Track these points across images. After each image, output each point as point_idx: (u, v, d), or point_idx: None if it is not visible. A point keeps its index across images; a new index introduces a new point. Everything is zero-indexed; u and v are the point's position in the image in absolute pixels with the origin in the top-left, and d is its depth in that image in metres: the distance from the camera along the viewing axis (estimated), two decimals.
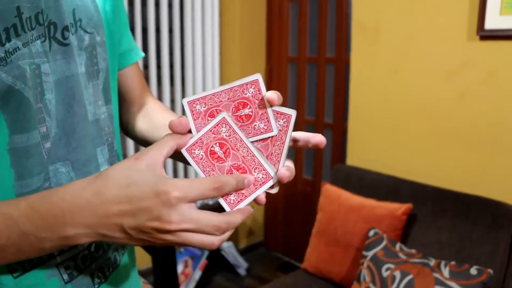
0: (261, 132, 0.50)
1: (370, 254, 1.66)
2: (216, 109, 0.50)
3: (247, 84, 0.50)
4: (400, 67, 1.97)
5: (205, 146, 0.49)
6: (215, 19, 2.72)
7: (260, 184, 0.49)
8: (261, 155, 0.49)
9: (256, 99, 0.50)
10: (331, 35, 2.52)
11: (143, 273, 2.53)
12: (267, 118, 0.50)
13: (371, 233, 1.71)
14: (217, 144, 0.49)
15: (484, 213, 1.61)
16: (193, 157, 0.49)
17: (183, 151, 0.49)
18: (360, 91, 2.14)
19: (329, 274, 1.87)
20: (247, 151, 0.49)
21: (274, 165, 0.51)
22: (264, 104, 0.50)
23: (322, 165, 2.67)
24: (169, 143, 0.48)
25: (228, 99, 0.50)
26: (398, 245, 1.65)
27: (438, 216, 1.73)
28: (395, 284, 1.52)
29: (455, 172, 1.82)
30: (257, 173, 0.49)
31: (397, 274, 1.55)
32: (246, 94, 0.50)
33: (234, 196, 0.49)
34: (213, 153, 0.49)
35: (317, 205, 2.01)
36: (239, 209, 0.49)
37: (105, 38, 0.64)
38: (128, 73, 0.77)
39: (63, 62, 0.57)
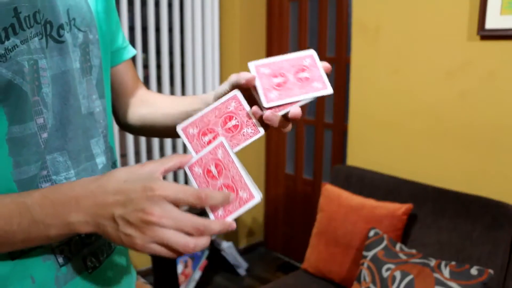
0: (250, 136, 0.59)
1: (370, 254, 1.66)
2: (207, 128, 0.59)
3: (228, 101, 0.59)
4: (400, 67, 1.96)
5: (203, 165, 0.57)
6: (215, 19, 2.72)
7: (244, 202, 0.54)
8: (248, 176, 0.55)
9: (239, 110, 0.58)
10: (331, 35, 2.52)
11: (143, 273, 2.52)
12: (252, 123, 0.58)
13: (371, 233, 1.71)
14: (213, 164, 0.56)
15: (484, 213, 1.61)
16: (193, 173, 0.57)
17: (186, 168, 0.57)
18: (360, 91, 2.14)
19: (329, 274, 1.86)
20: (236, 172, 0.55)
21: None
22: (247, 112, 0.58)
23: (322, 165, 2.66)
24: (173, 160, 0.54)
25: (215, 117, 0.59)
26: (398, 245, 1.65)
27: (438, 216, 1.73)
28: (396, 285, 1.52)
29: (455, 172, 1.82)
30: (242, 193, 0.55)
31: (398, 274, 1.54)
32: (229, 108, 0.59)
33: (222, 211, 0.55)
34: (209, 171, 0.56)
35: (317, 205, 2.01)
36: (219, 220, 0.53)
37: (98, 36, 0.68)
38: (122, 69, 0.81)
39: (59, 59, 0.60)
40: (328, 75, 0.59)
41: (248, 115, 0.58)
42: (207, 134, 0.59)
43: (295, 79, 0.58)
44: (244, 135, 0.58)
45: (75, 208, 0.51)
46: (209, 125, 0.59)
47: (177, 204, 0.50)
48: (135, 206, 0.49)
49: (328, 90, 0.58)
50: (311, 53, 0.60)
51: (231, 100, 0.59)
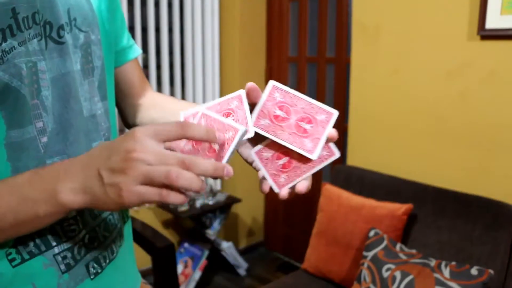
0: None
1: (370, 254, 1.66)
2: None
3: (231, 99, 0.58)
4: (400, 67, 1.96)
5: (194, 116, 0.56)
6: (215, 19, 2.72)
7: (232, 139, 0.52)
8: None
9: (238, 109, 0.57)
10: (331, 35, 2.52)
11: (143, 273, 2.52)
12: (246, 123, 0.56)
13: (372, 233, 1.71)
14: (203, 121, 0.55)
15: (484, 213, 1.61)
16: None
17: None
18: (360, 91, 2.14)
19: (329, 274, 1.86)
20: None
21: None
22: (244, 113, 0.56)
23: None
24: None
25: (215, 111, 0.58)
26: (398, 245, 1.65)
27: (438, 216, 1.73)
28: (396, 285, 1.52)
29: (455, 172, 1.82)
30: (227, 133, 0.52)
31: (398, 274, 1.54)
32: (230, 106, 0.57)
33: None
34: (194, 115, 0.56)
35: (317, 205, 2.01)
36: (212, 161, 0.50)
37: (100, 36, 0.66)
38: (128, 68, 0.80)
39: (59, 60, 0.58)
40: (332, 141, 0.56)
41: (245, 115, 0.57)
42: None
43: (294, 126, 0.56)
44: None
45: (62, 177, 0.49)
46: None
47: (160, 136, 0.47)
48: (117, 151, 0.47)
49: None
50: (333, 113, 0.55)
51: (234, 99, 0.57)
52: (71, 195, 0.49)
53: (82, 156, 0.51)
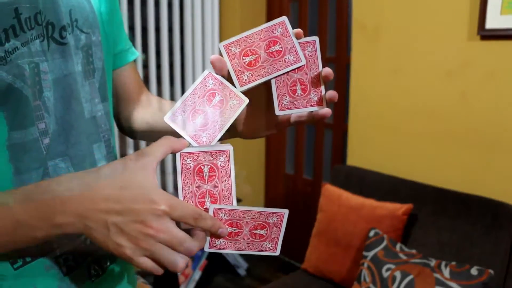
0: (291, 63, 0.56)
1: (370, 254, 1.66)
2: (250, 49, 0.56)
3: (275, 25, 0.56)
4: (400, 67, 1.96)
5: (198, 161, 0.52)
6: (215, 19, 2.72)
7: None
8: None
9: (285, 37, 0.56)
10: (331, 35, 2.52)
11: (143, 273, 2.52)
12: (295, 51, 0.56)
13: (372, 233, 1.71)
14: (209, 166, 0.52)
15: (484, 213, 1.61)
16: (183, 163, 0.52)
17: (177, 155, 0.52)
18: (360, 91, 2.14)
19: (330, 275, 1.86)
20: (228, 189, 0.53)
21: (317, 87, 0.57)
22: (292, 40, 0.56)
23: (322, 165, 2.66)
24: (163, 147, 0.51)
25: (259, 39, 0.56)
26: (398, 245, 1.65)
27: (438, 216, 1.73)
28: (396, 285, 1.52)
29: (455, 172, 1.82)
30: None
31: (398, 274, 1.54)
32: (275, 33, 0.56)
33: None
34: (200, 171, 0.52)
35: (317, 206, 2.01)
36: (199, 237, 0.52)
37: (101, 38, 0.66)
38: (125, 71, 0.79)
39: (61, 61, 0.58)
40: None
41: (292, 43, 0.56)
42: (249, 55, 0.56)
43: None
44: (285, 62, 0.56)
45: (60, 210, 0.48)
46: (252, 46, 0.56)
47: (177, 219, 0.49)
48: (135, 217, 0.47)
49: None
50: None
51: (278, 25, 0.56)
52: (70, 227, 0.49)
53: (82, 190, 0.48)
